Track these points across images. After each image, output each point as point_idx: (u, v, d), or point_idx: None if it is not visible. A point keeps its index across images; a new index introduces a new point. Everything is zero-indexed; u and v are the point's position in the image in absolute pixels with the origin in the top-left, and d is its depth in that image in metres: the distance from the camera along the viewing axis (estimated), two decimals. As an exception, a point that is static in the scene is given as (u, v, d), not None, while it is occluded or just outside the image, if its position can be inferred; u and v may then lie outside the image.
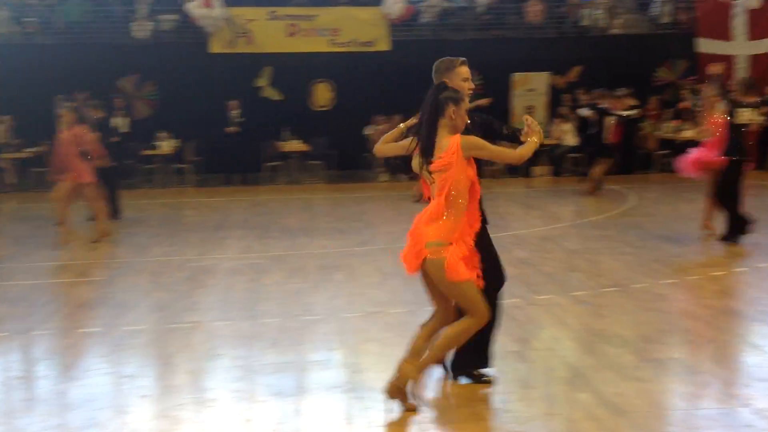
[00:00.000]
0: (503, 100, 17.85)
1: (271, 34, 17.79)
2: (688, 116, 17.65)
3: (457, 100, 4.51)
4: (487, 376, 5.06)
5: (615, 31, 18.82)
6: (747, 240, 9.10)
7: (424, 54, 17.71)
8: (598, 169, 13.96)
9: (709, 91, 9.52)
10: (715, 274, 7.88)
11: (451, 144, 4.42)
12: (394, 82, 17.19)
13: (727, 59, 18.86)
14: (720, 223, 9.29)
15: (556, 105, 17.53)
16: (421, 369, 4.61)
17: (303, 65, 17.66)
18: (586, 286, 7.57)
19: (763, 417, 4.42)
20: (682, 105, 17.77)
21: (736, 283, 7.56)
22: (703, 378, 5.11)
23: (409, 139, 4.69)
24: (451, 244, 4.45)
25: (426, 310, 6.68)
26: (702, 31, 18.77)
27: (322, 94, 18.15)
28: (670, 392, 4.88)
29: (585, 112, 14.65)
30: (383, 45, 18.04)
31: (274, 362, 5.60)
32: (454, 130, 4.50)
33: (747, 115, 8.74)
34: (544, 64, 17.97)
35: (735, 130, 9.16)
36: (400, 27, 18.29)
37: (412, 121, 4.85)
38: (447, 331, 4.61)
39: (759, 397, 4.69)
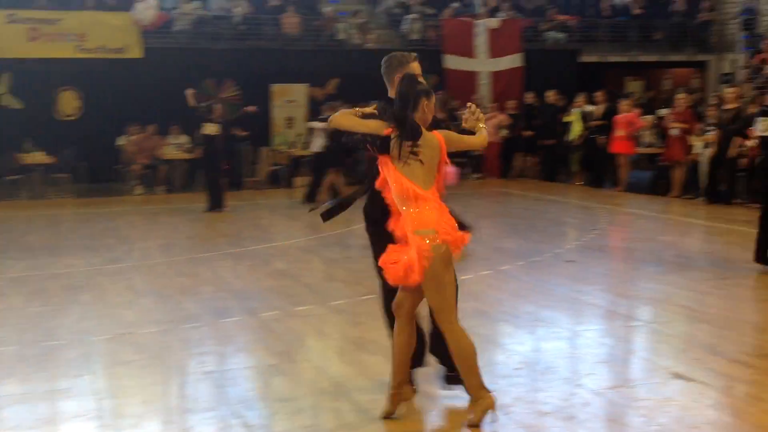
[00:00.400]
0: (263, 111, 17.82)
1: (10, 38, 16.52)
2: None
3: (429, 94, 4.45)
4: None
5: (369, 45, 19.42)
6: (493, 245, 9.68)
7: (179, 62, 17.53)
8: (329, 179, 14.19)
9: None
10: (463, 277, 8.25)
11: (438, 142, 4.38)
12: (148, 91, 16.62)
13: (471, 75, 20.12)
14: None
15: (316, 117, 17.75)
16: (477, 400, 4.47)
17: (47, 72, 16.57)
18: (344, 295, 7.67)
19: (505, 412, 4.67)
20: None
21: (481, 286, 7.98)
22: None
23: (378, 122, 4.44)
24: (437, 232, 4.31)
25: (182, 327, 6.49)
26: (448, 48, 19.89)
27: (69, 103, 17.12)
28: (422, 395, 5.01)
29: (317, 124, 14.67)
30: (135, 52, 17.35)
31: (12, 393, 5.12)
32: (423, 123, 4.42)
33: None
34: (303, 76, 18.17)
35: None
36: (154, 34, 17.70)
37: (368, 110, 4.58)
38: (455, 356, 4.46)
39: (502, 393, 4.95)
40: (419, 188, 4.36)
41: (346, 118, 4.51)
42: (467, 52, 20.05)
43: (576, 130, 17.00)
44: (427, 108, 4.44)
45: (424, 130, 4.40)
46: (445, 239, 4.34)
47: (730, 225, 11.59)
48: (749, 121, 13.01)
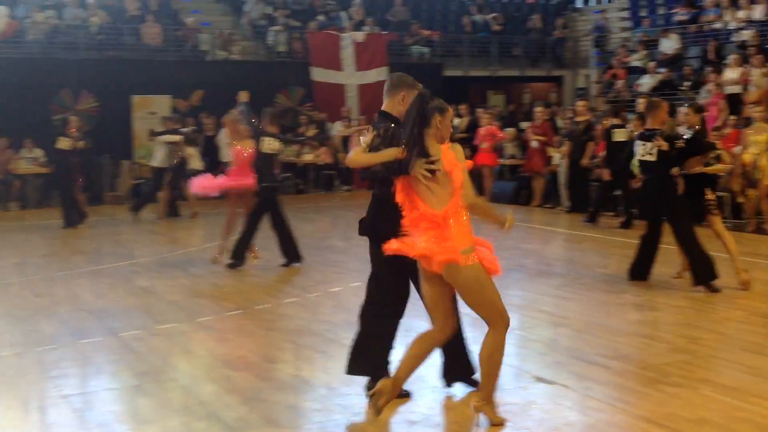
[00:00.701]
0: (124, 123, 17.27)
1: None
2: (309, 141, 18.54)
3: (443, 110, 4.46)
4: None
5: (234, 57, 19.17)
6: (364, 257, 9.67)
7: (33, 73, 16.76)
8: (162, 194, 14.07)
9: (233, 119, 9.71)
10: (333, 290, 8.26)
11: (449, 155, 4.36)
12: (-1, 103, 15.78)
13: (339, 88, 20.19)
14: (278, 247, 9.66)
15: (181, 128, 17.33)
16: (488, 398, 4.52)
17: None
18: (210, 311, 7.48)
19: (371, 423, 4.66)
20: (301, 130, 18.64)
21: (351, 297, 7.96)
22: (318, 392, 5.26)
23: (392, 149, 4.49)
24: (474, 248, 4.39)
25: (38, 350, 6.15)
26: (315, 61, 19.90)
27: None
28: (289, 409, 4.94)
29: (164, 138, 14.41)
30: (-16, 62, 16.45)
31: None
32: (440, 140, 4.43)
33: (272, 145, 9.24)
34: (165, 87, 17.71)
35: (263, 158, 9.25)
36: (4, 44, 16.85)
37: (369, 137, 4.67)
38: (484, 356, 4.52)
39: (365, 405, 4.94)
40: (434, 208, 4.39)
41: (361, 157, 4.61)
42: (334, 64, 20.12)
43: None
44: (442, 124, 4.45)
45: (433, 146, 4.39)
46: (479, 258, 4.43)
47: (587, 233, 12.11)
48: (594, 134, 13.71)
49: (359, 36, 20.50)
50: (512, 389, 5.25)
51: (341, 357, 5.98)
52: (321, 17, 21.42)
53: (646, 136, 7.96)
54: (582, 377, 5.39)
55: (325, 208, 16.21)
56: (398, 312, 5.15)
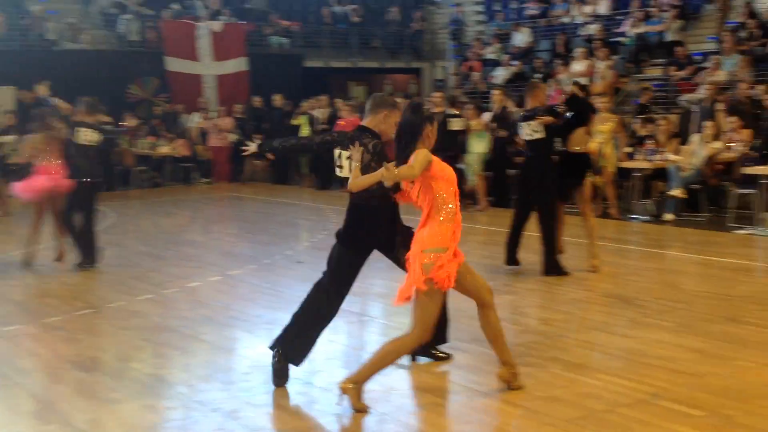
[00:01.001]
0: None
1: None
2: (163, 132, 18.06)
3: (432, 120, 4.64)
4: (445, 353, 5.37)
5: (84, 46, 18.38)
6: (223, 250, 9.50)
7: None
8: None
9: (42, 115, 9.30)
10: (191, 285, 8.06)
11: (417, 155, 4.45)
12: None
13: (195, 78, 19.73)
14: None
15: (27, 121, 16.44)
16: (359, 383, 4.58)
17: None
18: (60, 311, 7.13)
19: (234, 418, 4.58)
20: (156, 122, 18.12)
21: (210, 291, 7.81)
22: (176, 390, 5.11)
23: (387, 165, 4.56)
24: (446, 249, 4.48)
25: None
26: (169, 51, 19.34)
27: None
28: (146, 409, 4.77)
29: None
30: None
31: None
32: (428, 147, 4.57)
33: (90, 136, 8.84)
34: (9, 78, 16.76)
35: (80, 150, 8.79)
36: None
37: (359, 154, 4.80)
38: (386, 348, 4.63)
39: (231, 399, 4.86)
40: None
41: (363, 180, 4.72)
42: (190, 54, 19.63)
43: (304, 133, 17.27)
44: (431, 133, 4.61)
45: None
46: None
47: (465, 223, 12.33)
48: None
49: (216, 25, 20.09)
50: (373, 376, 5.28)
51: (200, 353, 5.87)
52: (175, 6, 20.86)
53: (528, 116, 8.01)
54: (432, 361, 5.48)
55: (183, 202, 15.83)
56: (332, 314, 5.32)
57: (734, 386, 4.80)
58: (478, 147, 13.47)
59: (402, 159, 4.58)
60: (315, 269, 8.72)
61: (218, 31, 20.01)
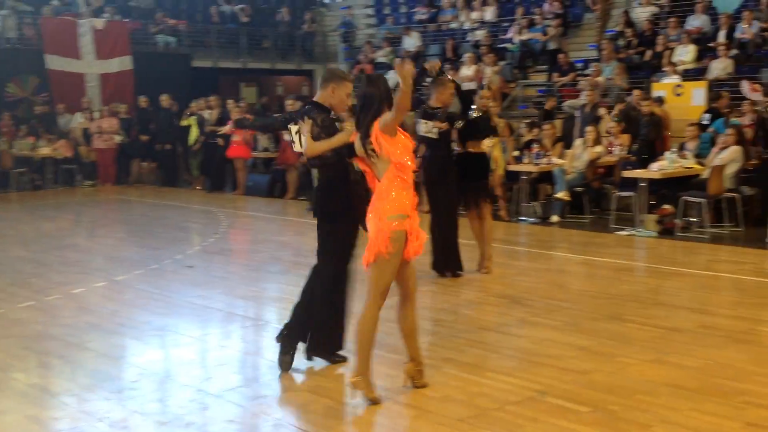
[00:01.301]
0: None
1: None
2: (43, 132, 17.38)
3: (390, 92, 4.73)
4: (341, 356, 5.44)
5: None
6: (109, 254, 9.20)
7: None
8: None
9: None
10: (75, 291, 7.78)
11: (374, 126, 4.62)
12: None
13: (77, 77, 19.05)
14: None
15: None
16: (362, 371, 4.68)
17: None
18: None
19: (121, 428, 4.44)
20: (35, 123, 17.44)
21: (95, 298, 7.55)
22: (60, 400, 4.92)
23: (345, 133, 5.02)
24: (408, 216, 4.61)
25: None
26: (50, 48, 18.62)
27: None
28: (30, 420, 4.57)
29: None
30: None
31: None
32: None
33: None
34: None
35: None
36: None
37: (308, 126, 5.09)
38: (358, 330, 4.72)
39: (118, 408, 4.71)
40: (378, 178, 4.70)
41: (317, 146, 5.06)
42: (72, 52, 18.93)
43: (194, 134, 16.95)
44: (397, 102, 4.57)
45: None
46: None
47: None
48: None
49: (99, 23, 19.46)
50: (266, 383, 5.23)
51: (84, 362, 5.66)
52: (55, 2, 20.12)
53: (429, 114, 7.93)
54: (337, 365, 5.47)
55: (66, 205, 15.25)
56: (345, 287, 5.49)
57: (618, 382, 4.99)
58: None
59: (363, 130, 4.68)
60: (206, 274, 8.66)
61: (101, 29, 19.39)
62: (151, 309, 7.17)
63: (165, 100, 17.85)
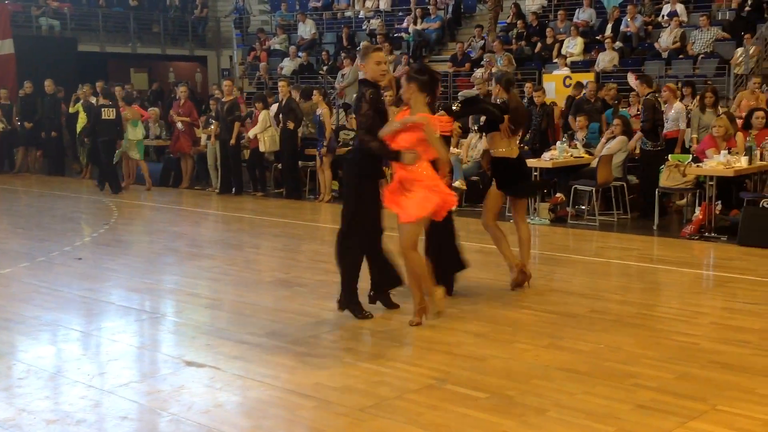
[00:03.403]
0: None
1: None
2: None
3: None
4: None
5: None
6: None
7: None
8: None
9: None
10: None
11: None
12: None
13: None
14: None
15: None
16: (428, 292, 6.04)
17: None
18: None
19: (9, 426, 4.25)
20: None
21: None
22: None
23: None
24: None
25: None
26: None
27: None
28: None
29: None
30: None
31: None
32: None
33: None
34: None
35: None
36: None
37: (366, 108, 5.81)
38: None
39: (4, 406, 4.51)
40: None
41: (384, 133, 5.86)
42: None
43: (81, 121, 16.34)
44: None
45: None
46: None
47: (239, 213, 12.19)
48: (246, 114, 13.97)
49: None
50: (160, 376, 5.10)
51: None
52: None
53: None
54: (233, 357, 5.40)
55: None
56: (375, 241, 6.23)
57: (514, 368, 5.10)
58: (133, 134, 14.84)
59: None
60: (96, 266, 8.37)
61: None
62: (38, 303, 6.88)
63: (49, 85, 17.14)
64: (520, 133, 7.49)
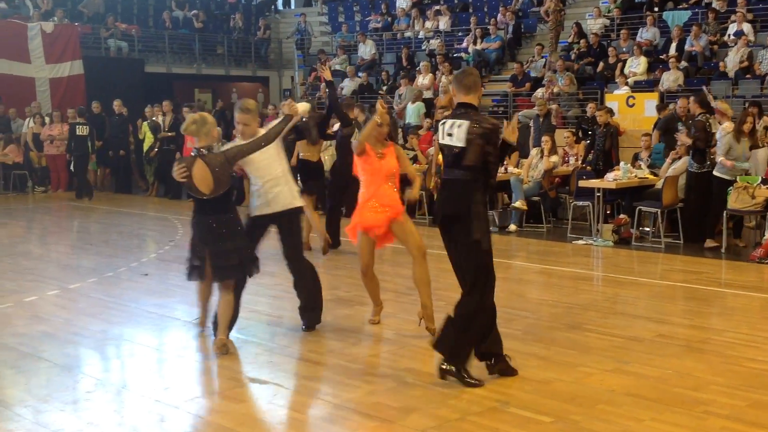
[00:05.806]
0: None
1: None
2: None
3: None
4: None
5: None
6: (62, 263, 9.00)
7: None
8: None
9: None
10: (28, 299, 7.59)
11: None
12: None
13: (27, 81, 18.70)
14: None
15: None
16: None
17: None
18: None
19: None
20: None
21: (49, 306, 7.38)
22: (13, 412, 4.78)
23: None
24: None
25: None
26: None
27: None
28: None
29: None
30: None
31: None
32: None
33: None
34: None
35: None
36: None
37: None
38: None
39: (75, 419, 4.60)
40: None
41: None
42: (21, 56, 18.56)
43: (147, 141, 16.71)
44: None
45: None
46: None
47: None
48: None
49: (48, 26, 19.12)
50: (226, 391, 5.15)
51: (38, 372, 5.51)
52: (3, 5, 19.72)
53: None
54: (295, 375, 5.43)
55: (17, 211, 14.93)
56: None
57: (579, 392, 5.01)
58: None
59: None
60: (162, 282, 8.50)
61: (50, 32, 19.04)
62: (106, 318, 7.02)
63: (118, 105, 17.58)
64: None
